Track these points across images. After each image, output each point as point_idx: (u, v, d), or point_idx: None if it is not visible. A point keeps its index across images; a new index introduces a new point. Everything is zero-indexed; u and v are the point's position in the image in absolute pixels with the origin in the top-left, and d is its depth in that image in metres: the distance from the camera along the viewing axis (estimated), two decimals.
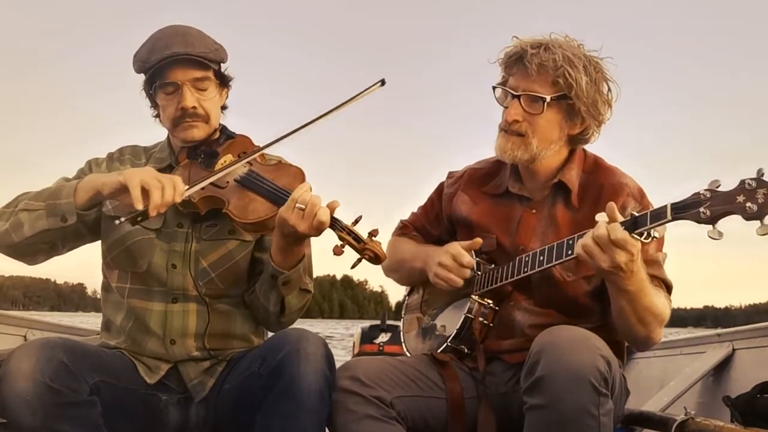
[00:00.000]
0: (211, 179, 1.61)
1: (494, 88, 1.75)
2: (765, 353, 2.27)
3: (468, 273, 1.72)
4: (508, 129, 1.68)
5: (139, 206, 1.45)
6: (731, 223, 1.34)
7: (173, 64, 1.65)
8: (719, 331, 2.58)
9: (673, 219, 1.38)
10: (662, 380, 2.63)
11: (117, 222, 1.49)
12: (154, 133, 1.87)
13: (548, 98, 1.64)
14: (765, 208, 1.28)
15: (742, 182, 1.31)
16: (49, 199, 1.56)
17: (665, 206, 1.40)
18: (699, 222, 1.35)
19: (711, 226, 1.34)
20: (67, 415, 1.36)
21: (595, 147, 1.81)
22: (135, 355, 1.65)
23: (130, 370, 1.62)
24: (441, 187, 1.99)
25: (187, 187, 1.54)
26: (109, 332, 1.73)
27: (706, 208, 1.34)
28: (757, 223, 1.29)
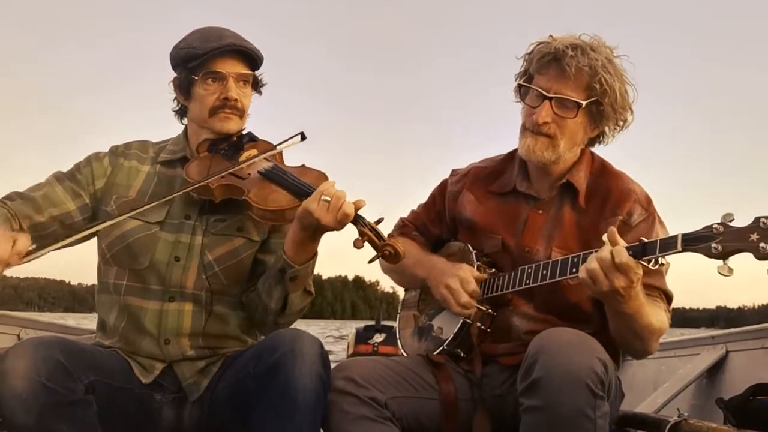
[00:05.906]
0: (235, 168, 1.64)
1: (520, 86, 1.72)
2: (758, 355, 2.29)
3: (472, 302, 1.68)
4: (536, 130, 1.65)
5: None
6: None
7: (225, 54, 1.70)
8: (713, 333, 2.60)
9: (683, 250, 1.36)
10: (656, 382, 2.64)
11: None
12: (144, 134, 1.90)
13: (584, 104, 1.61)
14: None
15: (757, 219, 1.29)
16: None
17: (676, 236, 1.38)
18: (709, 257, 1.32)
19: (722, 261, 1.31)
20: (63, 414, 1.35)
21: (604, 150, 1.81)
22: (129, 355, 1.64)
23: (125, 369, 1.61)
24: (444, 184, 1.96)
25: (33, 246, 1.51)
26: (103, 332, 1.72)
27: (717, 243, 1.31)
28: None
